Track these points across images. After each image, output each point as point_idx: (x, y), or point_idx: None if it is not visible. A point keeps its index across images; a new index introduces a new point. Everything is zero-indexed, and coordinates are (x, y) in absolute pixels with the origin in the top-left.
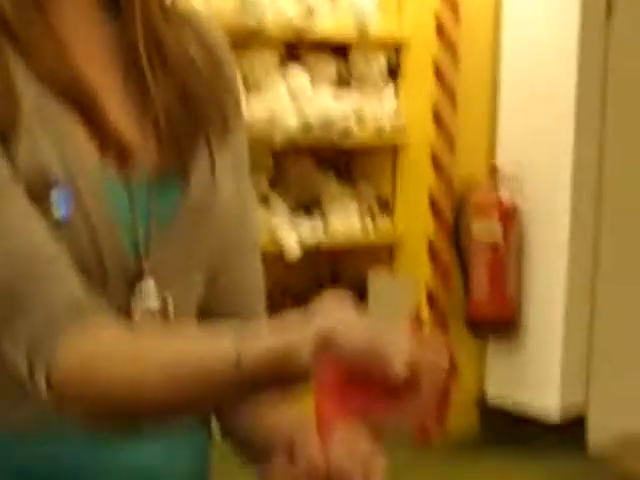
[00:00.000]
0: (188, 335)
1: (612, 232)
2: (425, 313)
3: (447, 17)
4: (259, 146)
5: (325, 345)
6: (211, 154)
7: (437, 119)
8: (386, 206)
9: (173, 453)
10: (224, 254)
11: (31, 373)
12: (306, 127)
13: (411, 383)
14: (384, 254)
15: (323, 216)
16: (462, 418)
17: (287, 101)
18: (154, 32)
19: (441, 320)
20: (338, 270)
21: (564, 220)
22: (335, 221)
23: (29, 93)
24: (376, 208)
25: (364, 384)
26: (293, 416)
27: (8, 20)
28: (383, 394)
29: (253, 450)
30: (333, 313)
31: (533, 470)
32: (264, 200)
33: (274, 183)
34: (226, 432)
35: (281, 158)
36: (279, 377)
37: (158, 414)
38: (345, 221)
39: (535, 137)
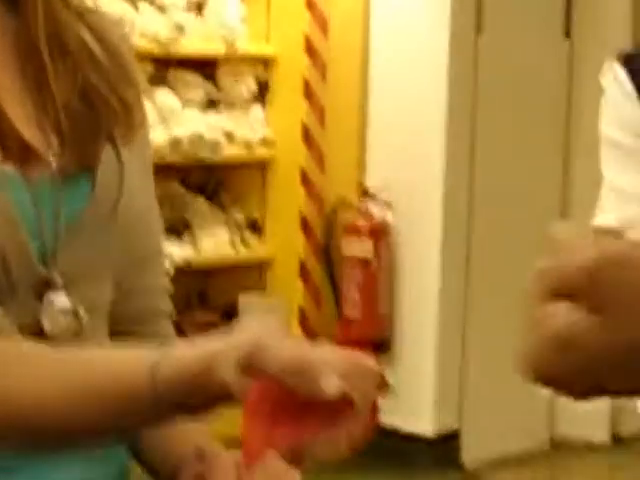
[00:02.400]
0: (100, 351)
1: (482, 252)
2: (297, 333)
3: (316, 34)
4: None
5: (249, 362)
6: (117, 152)
7: (306, 137)
8: (256, 226)
9: (90, 471)
10: (132, 256)
11: None
12: (174, 143)
13: (343, 403)
14: (254, 274)
15: (192, 236)
16: None
17: (156, 122)
18: (55, 26)
19: (312, 340)
20: (207, 291)
21: (435, 238)
22: (204, 241)
23: None
24: (246, 228)
25: (294, 404)
26: (202, 441)
27: None
28: (314, 415)
29: (162, 476)
30: (255, 330)
31: None
32: None
33: None
34: (135, 455)
35: None
36: (197, 393)
37: (71, 435)
38: (214, 241)
39: (405, 155)
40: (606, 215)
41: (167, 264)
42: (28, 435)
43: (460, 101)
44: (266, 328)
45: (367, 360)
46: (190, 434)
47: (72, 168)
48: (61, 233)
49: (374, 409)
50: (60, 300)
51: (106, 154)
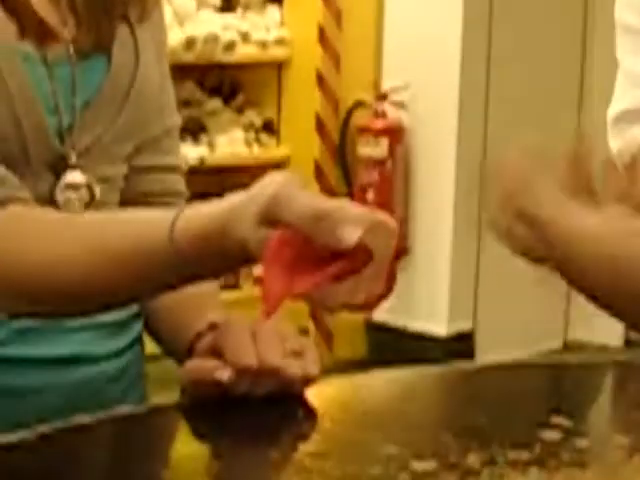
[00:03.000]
0: (117, 213)
1: (498, 153)
2: None
3: None
4: None
5: (267, 214)
6: (132, 32)
7: (323, 39)
8: (271, 127)
9: (100, 343)
10: (145, 135)
11: None
12: (189, 43)
13: (361, 253)
14: None
15: (208, 138)
16: (349, 339)
17: (171, 22)
18: None
19: None
20: (223, 193)
21: (451, 139)
22: (220, 142)
23: None
24: (261, 129)
25: (313, 256)
26: (215, 312)
27: None
28: (332, 266)
29: (177, 352)
30: (272, 184)
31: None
32: None
33: None
34: (149, 332)
35: None
36: (215, 252)
37: (88, 295)
38: (230, 142)
39: (422, 57)
40: (619, 101)
41: (183, 163)
42: (45, 296)
43: (477, 3)
44: (283, 182)
45: (386, 218)
46: (204, 305)
47: (88, 47)
48: (77, 111)
49: (392, 269)
50: (75, 175)
51: (122, 35)
